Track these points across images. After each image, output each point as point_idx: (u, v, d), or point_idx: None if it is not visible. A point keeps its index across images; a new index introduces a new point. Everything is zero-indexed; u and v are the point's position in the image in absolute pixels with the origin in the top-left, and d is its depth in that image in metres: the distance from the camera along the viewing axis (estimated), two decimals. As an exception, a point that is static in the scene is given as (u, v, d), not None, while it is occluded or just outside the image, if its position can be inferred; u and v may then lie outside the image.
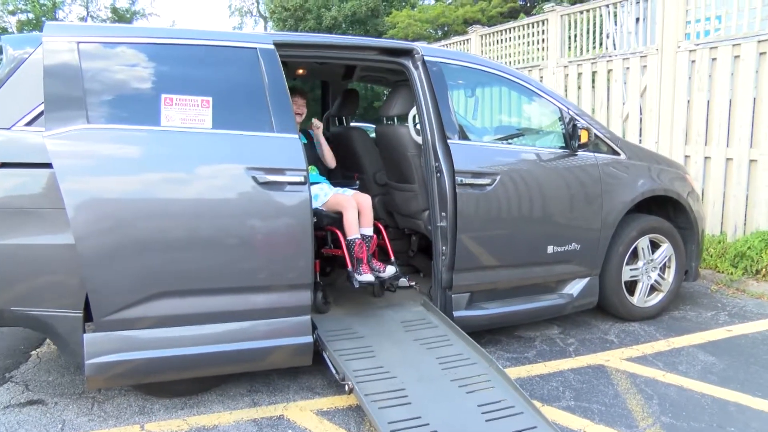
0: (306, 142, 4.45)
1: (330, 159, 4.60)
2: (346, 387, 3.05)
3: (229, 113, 3.17)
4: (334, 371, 3.23)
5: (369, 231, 4.11)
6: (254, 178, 3.07)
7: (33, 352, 3.96)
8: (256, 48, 3.31)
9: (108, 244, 2.85)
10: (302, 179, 3.16)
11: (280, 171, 3.13)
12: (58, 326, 3.00)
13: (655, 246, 4.55)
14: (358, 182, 4.70)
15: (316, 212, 4.01)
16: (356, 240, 3.94)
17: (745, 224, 6.12)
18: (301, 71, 5.13)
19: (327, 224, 4.10)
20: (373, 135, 5.03)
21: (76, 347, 2.98)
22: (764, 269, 5.49)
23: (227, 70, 3.28)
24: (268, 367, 3.37)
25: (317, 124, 4.53)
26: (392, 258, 4.23)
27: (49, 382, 3.54)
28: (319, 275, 4.13)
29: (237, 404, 3.29)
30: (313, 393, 3.42)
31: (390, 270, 4.05)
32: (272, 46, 3.35)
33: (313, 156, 4.48)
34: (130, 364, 2.95)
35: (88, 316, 2.97)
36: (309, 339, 3.27)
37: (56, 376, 3.60)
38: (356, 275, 3.86)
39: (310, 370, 3.56)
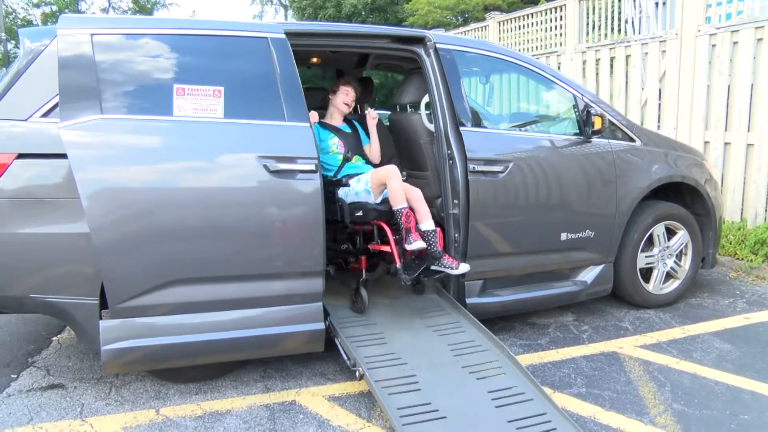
0: (350, 131, 4.30)
1: (376, 154, 4.32)
2: (357, 373, 3.07)
3: (240, 102, 3.19)
4: (345, 357, 3.26)
5: (430, 224, 3.72)
6: (266, 167, 3.09)
7: (54, 338, 4.06)
8: (267, 37, 3.33)
9: (121, 232, 2.89)
10: (313, 167, 3.17)
11: (291, 159, 3.15)
12: (75, 313, 3.06)
13: (671, 233, 4.51)
14: (405, 173, 4.29)
15: (363, 206, 3.84)
16: (403, 209, 3.65)
17: (766, 211, 6.02)
18: (314, 60, 5.14)
19: (374, 218, 3.88)
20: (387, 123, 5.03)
21: (93, 333, 3.03)
22: (785, 256, 5.41)
23: (239, 59, 3.29)
24: (281, 354, 3.41)
25: (373, 115, 4.30)
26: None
27: (69, 367, 3.62)
28: (365, 272, 3.95)
29: (250, 390, 3.34)
30: (325, 379, 3.46)
31: (464, 267, 3.68)
32: (283, 36, 3.36)
33: (357, 145, 4.27)
34: (145, 350, 3.00)
35: (104, 303, 3.02)
36: (321, 326, 3.30)
37: (76, 362, 3.69)
38: (406, 245, 3.60)
39: (323, 356, 3.60)
